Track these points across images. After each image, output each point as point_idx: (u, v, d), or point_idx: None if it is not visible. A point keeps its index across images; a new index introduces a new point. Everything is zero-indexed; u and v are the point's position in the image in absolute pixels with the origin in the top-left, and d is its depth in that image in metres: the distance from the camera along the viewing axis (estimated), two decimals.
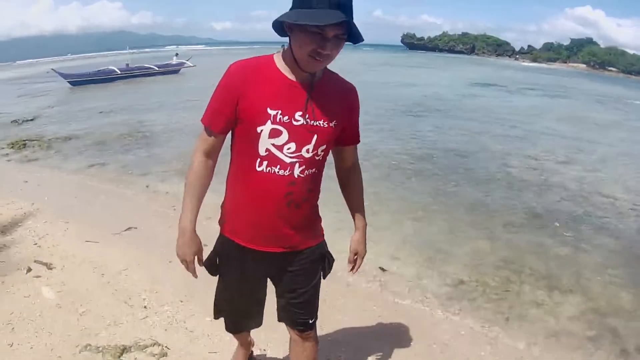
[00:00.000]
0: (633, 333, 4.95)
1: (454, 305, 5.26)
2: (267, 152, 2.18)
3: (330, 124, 2.24)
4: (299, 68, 2.14)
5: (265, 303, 2.86)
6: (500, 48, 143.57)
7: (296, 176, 2.22)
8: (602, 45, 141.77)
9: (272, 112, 2.13)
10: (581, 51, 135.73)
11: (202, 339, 4.00)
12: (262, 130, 2.14)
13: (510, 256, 6.67)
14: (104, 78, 28.88)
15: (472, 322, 4.94)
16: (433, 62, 71.55)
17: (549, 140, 15.73)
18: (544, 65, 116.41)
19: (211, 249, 2.63)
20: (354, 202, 2.71)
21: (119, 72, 29.87)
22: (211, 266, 2.64)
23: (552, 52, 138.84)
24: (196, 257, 2.47)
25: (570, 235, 7.62)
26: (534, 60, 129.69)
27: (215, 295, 2.83)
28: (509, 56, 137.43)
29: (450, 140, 14.56)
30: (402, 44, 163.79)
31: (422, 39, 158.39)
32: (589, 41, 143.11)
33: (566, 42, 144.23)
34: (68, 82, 27.55)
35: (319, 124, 2.20)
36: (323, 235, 2.63)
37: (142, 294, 4.68)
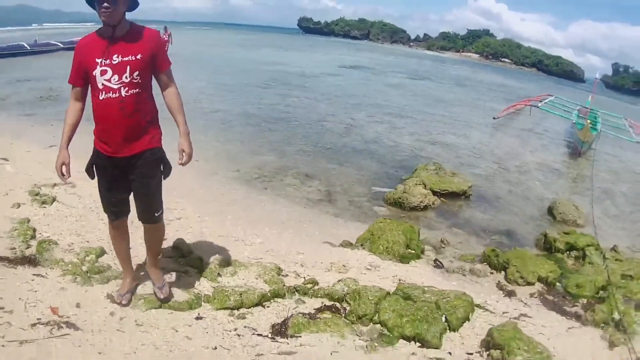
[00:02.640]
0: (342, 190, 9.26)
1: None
2: (103, 86, 3.62)
3: (137, 57, 3.66)
4: (106, 28, 3.66)
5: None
6: (395, 35, 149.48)
7: (124, 95, 3.64)
8: (506, 38, 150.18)
9: (98, 60, 3.62)
10: (476, 42, 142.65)
11: None
12: (95, 73, 3.61)
13: (286, 164, 11.00)
14: (14, 52, 30.83)
15: (248, 189, 9.12)
16: (320, 46, 76.85)
17: (376, 108, 20.77)
18: (436, 53, 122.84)
19: None
20: (175, 114, 4.01)
21: (29, 48, 31.92)
22: (89, 172, 3.97)
23: (447, 41, 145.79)
24: (64, 167, 3.82)
25: (337, 157, 12.10)
26: (428, 48, 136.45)
27: (99, 193, 4.10)
28: (403, 43, 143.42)
29: (287, 104, 19.23)
30: (298, 27, 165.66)
31: (318, 23, 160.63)
32: (486, 32, 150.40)
33: (465, 33, 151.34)
34: None
35: (129, 58, 3.63)
36: (160, 142, 3.99)
37: None
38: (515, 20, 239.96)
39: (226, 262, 5.37)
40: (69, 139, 3.87)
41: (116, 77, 3.62)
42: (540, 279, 6.79)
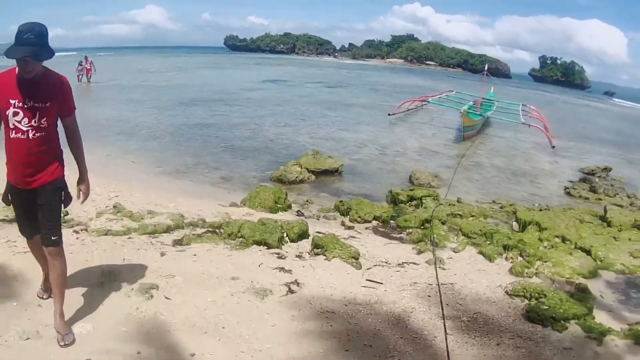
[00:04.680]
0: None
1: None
2: (14, 125, 3.99)
3: (46, 105, 4.04)
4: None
5: None
6: (321, 47, 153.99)
7: (31, 137, 4.04)
8: (431, 41, 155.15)
9: (12, 102, 3.93)
10: (401, 47, 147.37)
11: None
12: (8, 113, 3.95)
13: (199, 161, 14.23)
14: None
15: (168, 177, 12.16)
16: (245, 63, 79.72)
17: (283, 115, 24.32)
18: (361, 62, 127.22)
19: None
20: (76, 156, 4.46)
21: None
22: (5, 200, 4.51)
23: (372, 49, 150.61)
24: None
25: (240, 154, 15.44)
26: (353, 57, 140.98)
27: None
28: (329, 54, 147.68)
29: (206, 117, 22.45)
30: (225, 46, 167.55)
31: (244, 40, 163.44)
32: (410, 37, 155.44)
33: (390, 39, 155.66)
34: None
35: (39, 105, 4.01)
36: (62, 176, 4.40)
37: None
38: (442, 23, 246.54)
39: (148, 211, 8.42)
40: None
41: (26, 120, 3.99)
42: (376, 218, 9.93)
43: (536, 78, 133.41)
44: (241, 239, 7.63)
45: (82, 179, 4.54)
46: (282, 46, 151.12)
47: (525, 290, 6.38)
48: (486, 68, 36.08)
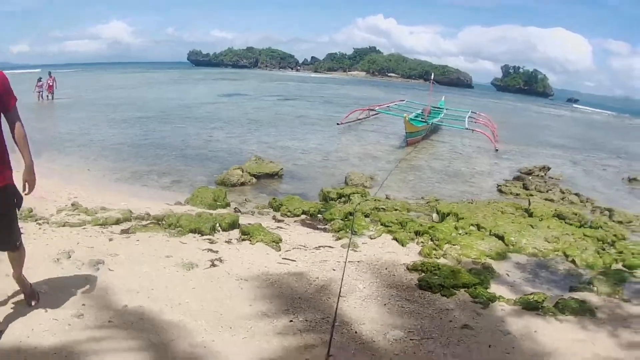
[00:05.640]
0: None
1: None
2: None
3: None
4: None
5: None
6: (284, 61, 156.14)
7: None
8: (392, 52, 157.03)
9: None
10: (363, 59, 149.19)
11: None
12: None
13: (152, 169, 15.54)
14: None
15: (124, 183, 13.43)
16: (206, 78, 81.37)
17: (235, 127, 25.82)
18: (323, 75, 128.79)
19: None
20: (21, 148, 4.33)
21: None
22: None
23: (334, 62, 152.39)
24: None
25: (190, 162, 16.82)
26: (315, 70, 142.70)
27: None
28: (292, 68, 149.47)
29: (162, 129, 23.78)
30: (188, 61, 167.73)
31: (207, 55, 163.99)
32: (372, 50, 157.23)
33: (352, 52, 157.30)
34: None
35: None
36: (11, 180, 4.36)
37: None
38: (405, 34, 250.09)
39: (101, 208, 9.78)
40: None
41: None
42: (304, 212, 11.18)
43: (499, 87, 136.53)
44: (179, 228, 8.92)
45: (29, 171, 4.43)
46: (244, 61, 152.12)
47: (422, 265, 7.42)
48: (432, 77, 38.07)
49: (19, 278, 5.01)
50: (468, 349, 5.00)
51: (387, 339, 5.08)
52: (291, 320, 5.47)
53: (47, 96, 34.73)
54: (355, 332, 5.22)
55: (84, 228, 8.57)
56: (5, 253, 4.79)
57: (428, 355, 4.83)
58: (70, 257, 6.88)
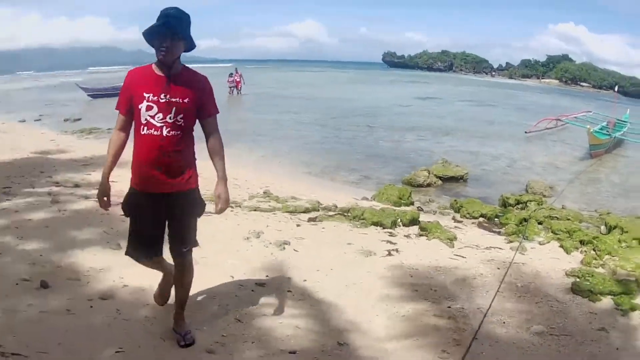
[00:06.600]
0: None
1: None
2: (146, 121, 3.74)
3: (184, 100, 3.79)
4: (161, 65, 3.80)
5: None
6: (478, 65, 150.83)
7: (164, 135, 3.75)
8: (584, 61, 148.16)
9: (146, 95, 3.73)
10: (556, 67, 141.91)
11: None
12: (141, 107, 3.74)
13: (341, 165, 16.01)
14: (117, 93, 37.50)
15: (314, 177, 14.02)
16: (401, 80, 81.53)
17: (427, 129, 25.61)
18: (517, 81, 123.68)
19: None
20: (215, 160, 4.07)
21: None
22: (124, 210, 4.11)
23: (528, 69, 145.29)
24: (106, 198, 4.04)
25: (380, 161, 17.05)
26: (510, 77, 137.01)
27: (128, 233, 4.20)
28: (486, 73, 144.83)
29: (355, 129, 24.38)
30: (383, 62, 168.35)
31: (402, 57, 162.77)
32: (565, 57, 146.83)
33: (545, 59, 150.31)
34: (88, 95, 35.27)
35: (176, 100, 3.76)
36: (195, 184, 4.10)
37: None
38: (596, 43, 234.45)
39: (291, 197, 10.39)
40: (110, 170, 4.01)
41: (160, 115, 3.75)
42: (482, 215, 10.94)
43: None
44: (362, 220, 9.12)
45: (222, 187, 4.07)
46: (439, 64, 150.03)
47: (579, 272, 7.14)
48: (616, 89, 35.29)
49: (179, 315, 4.37)
50: (598, 348, 5.10)
51: (530, 331, 5.30)
52: (449, 306, 5.71)
53: (236, 92, 36.79)
54: (504, 322, 5.47)
55: (274, 213, 9.12)
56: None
57: (562, 349, 5.03)
58: (259, 236, 7.41)
